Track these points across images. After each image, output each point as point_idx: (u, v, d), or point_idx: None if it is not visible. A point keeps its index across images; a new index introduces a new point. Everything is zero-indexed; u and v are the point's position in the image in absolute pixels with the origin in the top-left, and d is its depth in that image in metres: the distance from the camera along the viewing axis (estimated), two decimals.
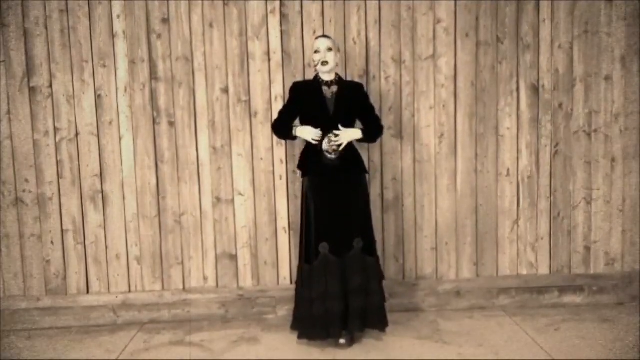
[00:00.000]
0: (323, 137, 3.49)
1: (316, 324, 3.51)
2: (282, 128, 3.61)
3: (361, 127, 3.62)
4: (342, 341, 3.54)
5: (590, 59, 4.09)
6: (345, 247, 3.51)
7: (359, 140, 3.59)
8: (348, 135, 3.51)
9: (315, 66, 3.55)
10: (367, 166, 3.89)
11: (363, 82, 3.96)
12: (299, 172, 3.79)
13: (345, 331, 3.54)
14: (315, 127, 3.50)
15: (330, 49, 3.50)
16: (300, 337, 3.59)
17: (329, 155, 3.50)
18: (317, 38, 3.58)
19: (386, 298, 3.68)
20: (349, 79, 3.98)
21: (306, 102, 3.56)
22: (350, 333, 3.56)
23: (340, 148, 3.49)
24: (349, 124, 3.55)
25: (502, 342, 3.60)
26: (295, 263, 3.95)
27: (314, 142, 3.50)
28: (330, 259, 3.49)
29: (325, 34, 3.76)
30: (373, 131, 3.64)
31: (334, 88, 3.55)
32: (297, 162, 3.76)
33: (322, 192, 3.53)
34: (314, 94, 3.54)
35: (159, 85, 3.98)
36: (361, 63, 4.02)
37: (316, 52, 3.51)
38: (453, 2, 4.02)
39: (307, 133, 3.50)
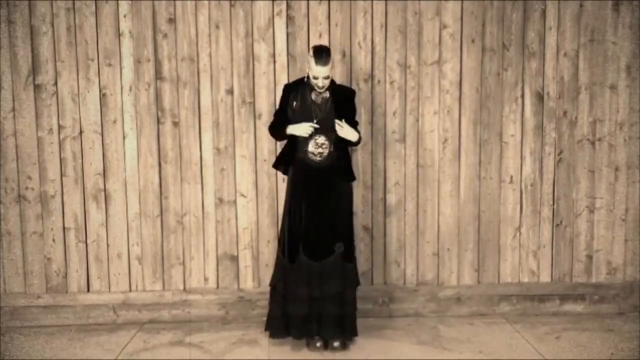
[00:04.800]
0: (309, 139, 3.50)
1: (286, 322, 3.53)
2: (278, 129, 3.62)
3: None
4: (318, 344, 3.56)
5: (596, 67, 4.09)
6: (324, 251, 3.50)
7: (348, 143, 3.59)
8: (346, 131, 3.49)
9: (309, 78, 3.52)
10: (370, 171, 3.90)
11: (368, 86, 3.97)
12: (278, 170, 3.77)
13: (318, 336, 3.55)
14: None
15: (327, 77, 3.45)
16: (272, 336, 3.59)
17: (313, 158, 3.51)
18: (316, 63, 3.41)
19: (356, 307, 3.64)
20: (353, 82, 3.98)
21: (296, 105, 3.56)
22: (323, 339, 3.57)
23: (326, 152, 3.49)
24: (333, 132, 3.50)
25: (502, 350, 3.59)
26: None
27: (305, 135, 3.48)
28: (304, 261, 3.49)
29: (325, 51, 3.46)
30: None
31: (326, 94, 3.55)
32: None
33: (305, 194, 3.52)
34: (303, 98, 3.55)
35: (163, 85, 3.98)
36: (366, 67, 4.02)
37: (315, 77, 3.45)
38: (459, 8, 4.02)
39: (301, 130, 3.49)
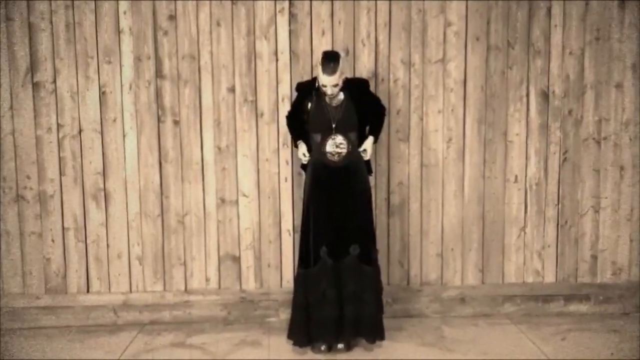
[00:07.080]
0: (327, 139, 3.47)
1: (311, 329, 3.49)
2: (293, 128, 3.67)
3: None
4: (340, 346, 3.54)
5: (601, 66, 4.05)
6: (342, 252, 3.48)
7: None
8: (370, 148, 3.58)
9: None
10: (373, 168, 3.85)
11: (371, 84, 3.91)
12: (302, 172, 3.76)
13: (341, 336, 3.52)
14: (318, 132, 3.50)
15: (335, 85, 3.41)
16: (295, 344, 3.54)
17: (331, 158, 3.48)
18: (323, 72, 3.37)
19: (383, 310, 3.64)
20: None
21: (310, 107, 3.53)
22: (345, 339, 3.54)
23: (344, 152, 3.47)
24: (351, 131, 3.51)
25: (507, 351, 3.57)
26: None
27: (303, 160, 3.58)
28: (328, 263, 3.46)
29: (332, 59, 3.40)
30: (376, 123, 3.65)
31: (340, 95, 3.51)
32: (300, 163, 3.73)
33: (322, 195, 3.50)
34: (318, 100, 3.52)
35: (164, 83, 3.93)
36: (370, 65, 3.97)
37: (323, 86, 3.42)
38: (464, 6, 3.98)
39: (300, 153, 3.57)
